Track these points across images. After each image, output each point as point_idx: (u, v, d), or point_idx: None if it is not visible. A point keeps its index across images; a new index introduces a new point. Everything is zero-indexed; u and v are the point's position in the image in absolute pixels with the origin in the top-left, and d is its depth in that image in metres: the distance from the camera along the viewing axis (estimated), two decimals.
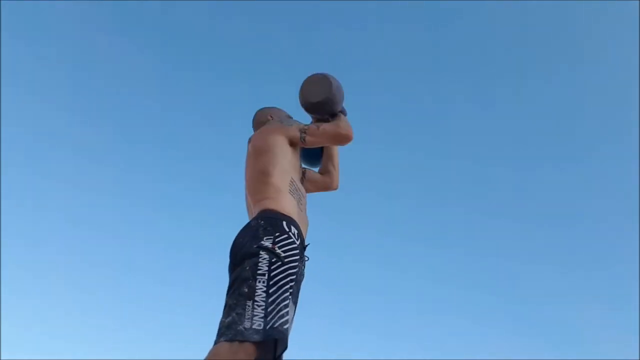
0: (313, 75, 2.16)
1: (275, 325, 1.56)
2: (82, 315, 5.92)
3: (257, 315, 1.55)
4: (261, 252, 1.66)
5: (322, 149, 2.29)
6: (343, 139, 2.07)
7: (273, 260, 1.66)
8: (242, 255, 1.69)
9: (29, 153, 6.47)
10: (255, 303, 1.57)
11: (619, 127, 6.56)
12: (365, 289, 6.23)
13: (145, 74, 6.83)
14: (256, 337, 1.52)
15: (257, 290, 1.60)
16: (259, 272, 1.63)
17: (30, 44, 6.49)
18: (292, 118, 2.30)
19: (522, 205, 6.73)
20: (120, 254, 6.38)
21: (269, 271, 1.64)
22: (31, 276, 6.02)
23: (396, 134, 6.89)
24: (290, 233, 1.76)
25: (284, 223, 1.77)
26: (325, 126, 2.06)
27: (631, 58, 6.10)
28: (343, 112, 2.20)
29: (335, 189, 2.34)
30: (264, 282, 1.62)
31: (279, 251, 1.69)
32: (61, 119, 6.57)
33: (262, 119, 2.28)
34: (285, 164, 1.97)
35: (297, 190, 1.96)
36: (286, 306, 1.63)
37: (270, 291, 1.61)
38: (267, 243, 1.69)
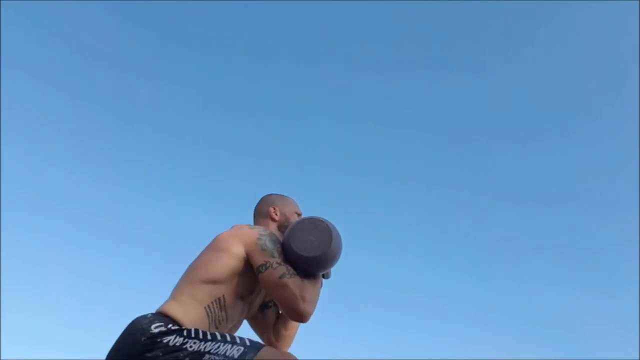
0: (314, 220, 1.71)
1: (252, 342, 1.49)
2: (82, 314, 5.92)
3: (225, 351, 1.44)
4: (159, 339, 1.47)
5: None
6: (294, 313, 1.60)
7: (179, 333, 1.49)
8: (141, 352, 1.47)
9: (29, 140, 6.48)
10: (210, 352, 1.43)
11: (617, 114, 6.57)
12: (366, 276, 6.25)
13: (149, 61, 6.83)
14: (250, 356, 1.43)
15: (199, 349, 1.44)
16: (178, 343, 1.46)
17: (30, 30, 6.50)
18: (296, 218, 1.90)
19: (521, 185, 6.74)
20: (123, 247, 6.40)
21: (186, 336, 1.48)
22: (31, 273, 6.03)
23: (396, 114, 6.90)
24: (183, 329, 1.52)
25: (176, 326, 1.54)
26: (290, 283, 1.59)
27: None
28: (325, 275, 1.80)
29: None
30: (193, 341, 1.46)
31: (174, 328, 1.50)
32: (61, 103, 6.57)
33: (264, 209, 1.92)
34: (226, 278, 1.63)
35: (220, 309, 1.61)
36: (235, 339, 1.49)
37: (208, 337, 1.47)
38: (157, 330, 1.49)
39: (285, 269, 1.61)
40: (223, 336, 1.49)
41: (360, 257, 6.32)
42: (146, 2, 6.84)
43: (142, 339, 1.47)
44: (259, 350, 1.46)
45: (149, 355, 1.45)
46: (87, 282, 6.15)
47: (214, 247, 1.68)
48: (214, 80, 7.01)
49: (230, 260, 1.64)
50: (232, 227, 1.75)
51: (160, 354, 1.44)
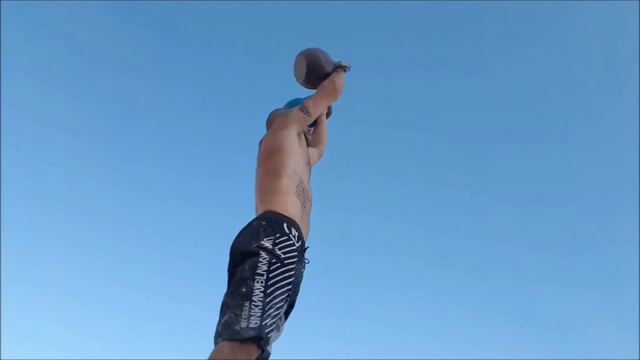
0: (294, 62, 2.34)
1: (265, 323, 1.59)
2: (82, 314, 5.92)
3: (253, 315, 1.58)
4: (261, 252, 1.69)
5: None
6: (333, 93, 2.25)
7: (273, 261, 1.69)
8: (243, 254, 1.72)
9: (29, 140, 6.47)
10: (253, 303, 1.60)
11: (617, 114, 6.57)
12: (365, 277, 6.24)
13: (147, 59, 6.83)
14: (251, 333, 1.54)
15: (254, 291, 1.62)
16: (258, 272, 1.66)
17: (30, 30, 6.50)
18: None
19: (521, 185, 6.73)
20: (123, 247, 6.39)
21: (268, 272, 1.67)
22: (31, 273, 6.03)
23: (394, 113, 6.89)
24: (290, 235, 1.79)
25: (285, 225, 1.80)
26: (317, 90, 2.25)
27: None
28: (342, 66, 2.34)
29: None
30: (262, 282, 1.64)
31: (278, 252, 1.71)
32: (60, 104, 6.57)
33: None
34: (294, 164, 2.01)
35: (303, 193, 1.99)
36: (281, 307, 1.66)
37: (268, 291, 1.64)
38: (267, 244, 1.72)
39: (307, 97, 2.21)
40: (270, 300, 1.62)
41: (360, 257, 6.33)
42: (146, 2, 6.85)
43: (254, 244, 1.71)
44: (256, 338, 1.54)
45: (248, 259, 1.69)
46: (87, 282, 6.15)
47: (270, 152, 2.04)
48: (214, 80, 7.01)
49: (291, 145, 2.05)
50: (261, 141, 2.16)
51: (247, 267, 1.67)
